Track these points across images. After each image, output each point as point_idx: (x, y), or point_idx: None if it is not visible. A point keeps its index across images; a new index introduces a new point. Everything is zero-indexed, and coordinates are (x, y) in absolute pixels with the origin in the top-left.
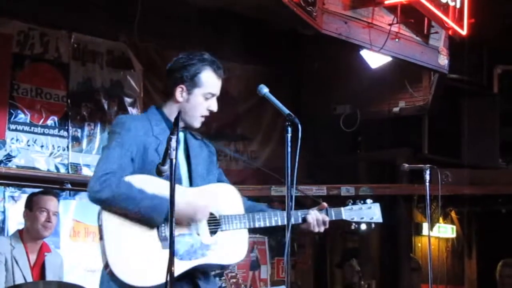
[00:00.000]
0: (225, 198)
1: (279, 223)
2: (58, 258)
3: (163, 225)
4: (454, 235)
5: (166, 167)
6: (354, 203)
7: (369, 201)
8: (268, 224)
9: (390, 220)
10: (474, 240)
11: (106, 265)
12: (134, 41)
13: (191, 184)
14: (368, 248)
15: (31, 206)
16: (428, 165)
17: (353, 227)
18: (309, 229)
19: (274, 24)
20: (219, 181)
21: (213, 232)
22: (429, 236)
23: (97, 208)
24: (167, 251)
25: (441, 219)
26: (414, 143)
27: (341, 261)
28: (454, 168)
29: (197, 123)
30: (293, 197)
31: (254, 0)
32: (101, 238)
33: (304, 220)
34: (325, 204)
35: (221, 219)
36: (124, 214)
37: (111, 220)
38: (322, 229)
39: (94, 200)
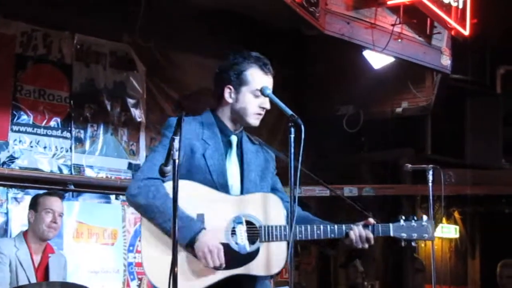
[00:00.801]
0: (268, 208)
1: (322, 237)
2: (62, 259)
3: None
4: (457, 236)
5: (169, 168)
6: (406, 220)
7: (424, 217)
8: (309, 238)
9: (393, 220)
10: (478, 240)
11: (145, 273)
12: (137, 42)
13: (242, 190)
14: (371, 249)
15: (37, 207)
16: (431, 165)
17: (403, 244)
18: (352, 245)
19: (277, 25)
20: (273, 188)
21: (252, 242)
22: None
23: (101, 210)
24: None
25: (444, 220)
26: (417, 144)
27: (345, 262)
28: (457, 169)
29: (253, 120)
30: (297, 198)
31: (256, 0)
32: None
33: (347, 235)
34: (371, 220)
35: (261, 229)
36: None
37: (149, 230)
38: (366, 245)
39: (129, 202)
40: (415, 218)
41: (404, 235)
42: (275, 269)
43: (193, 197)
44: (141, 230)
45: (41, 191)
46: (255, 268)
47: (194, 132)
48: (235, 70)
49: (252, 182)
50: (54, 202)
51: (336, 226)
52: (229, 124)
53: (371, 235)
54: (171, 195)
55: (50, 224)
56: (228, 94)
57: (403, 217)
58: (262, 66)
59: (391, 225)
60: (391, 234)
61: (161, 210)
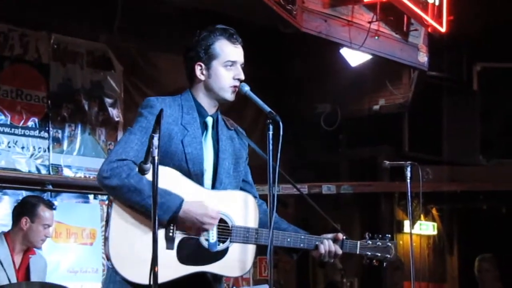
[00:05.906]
0: (242, 208)
1: (291, 245)
2: (42, 261)
3: (171, 224)
4: (435, 232)
5: (148, 165)
6: (372, 238)
7: (388, 237)
8: (279, 244)
9: (372, 218)
10: (456, 237)
11: (108, 259)
12: (115, 41)
13: (214, 179)
14: None
15: (34, 217)
16: (409, 162)
17: (364, 262)
18: (319, 258)
19: (254, 23)
20: (244, 180)
21: (222, 241)
22: (410, 234)
23: (79, 210)
24: (169, 252)
25: (422, 216)
26: (395, 141)
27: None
28: (435, 165)
29: (228, 94)
30: (275, 196)
31: None
32: (106, 234)
33: (317, 247)
34: (340, 235)
35: (233, 230)
36: (130, 206)
37: (119, 216)
38: (332, 260)
39: (101, 185)
40: (380, 236)
41: (369, 253)
42: (240, 271)
43: (170, 185)
44: (109, 214)
45: (19, 192)
46: (220, 267)
47: (173, 116)
48: (203, 46)
49: (225, 171)
50: (51, 217)
51: (306, 237)
52: (204, 104)
53: (340, 251)
54: (145, 176)
55: (44, 238)
56: (199, 71)
57: (369, 235)
58: (229, 37)
59: (358, 242)
60: (357, 251)
61: (138, 188)
